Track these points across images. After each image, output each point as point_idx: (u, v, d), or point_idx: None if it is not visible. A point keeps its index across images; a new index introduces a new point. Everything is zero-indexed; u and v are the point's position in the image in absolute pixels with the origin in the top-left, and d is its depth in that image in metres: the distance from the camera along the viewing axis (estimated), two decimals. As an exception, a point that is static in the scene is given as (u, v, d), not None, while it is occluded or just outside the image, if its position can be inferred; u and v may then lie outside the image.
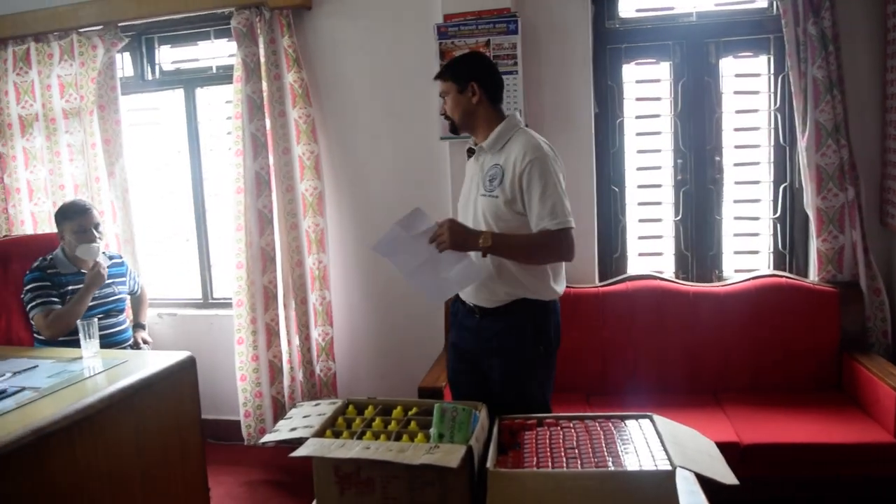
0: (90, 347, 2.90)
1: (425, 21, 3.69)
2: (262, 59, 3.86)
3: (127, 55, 4.41)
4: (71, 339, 3.18)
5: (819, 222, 3.44)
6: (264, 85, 3.87)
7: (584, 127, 3.69)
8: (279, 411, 3.95)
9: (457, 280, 2.43)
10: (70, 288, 3.34)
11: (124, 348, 3.45)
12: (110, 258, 3.59)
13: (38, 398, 2.42)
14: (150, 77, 4.45)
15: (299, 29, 3.92)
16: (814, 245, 3.51)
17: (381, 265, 3.90)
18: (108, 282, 3.47)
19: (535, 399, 2.58)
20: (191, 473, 2.90)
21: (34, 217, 4.37)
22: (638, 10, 3.77)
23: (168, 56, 4.45)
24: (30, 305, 3.28)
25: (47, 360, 2.90)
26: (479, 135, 2.58)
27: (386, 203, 3.89)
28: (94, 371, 2.72)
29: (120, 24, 4.10)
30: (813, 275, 3.56)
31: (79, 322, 2.94)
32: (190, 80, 4.36)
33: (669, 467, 1.62)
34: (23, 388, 2.52)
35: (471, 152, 2.65)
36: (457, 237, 2.36)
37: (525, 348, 2.56)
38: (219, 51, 4.30)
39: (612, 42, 3.75)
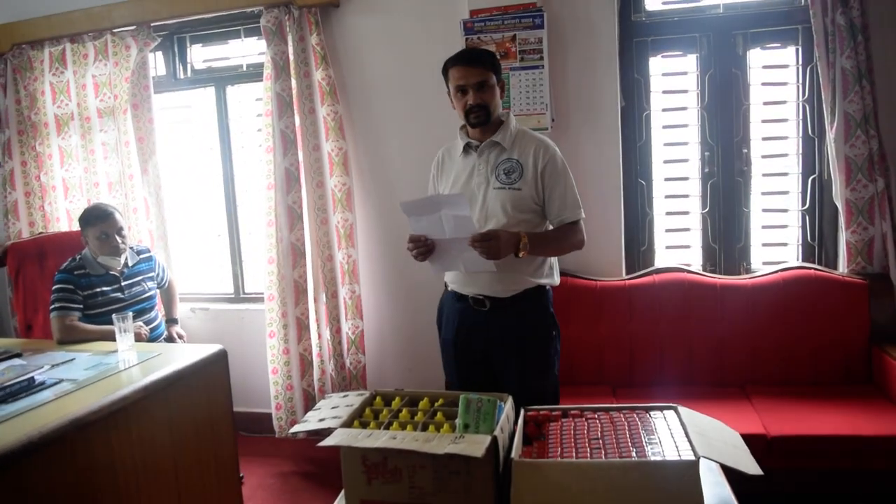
0: (125, 340, 2.96)
1: (451, 17, 3.71)
2: (291, 57, 3.91)
3: (159, 54, 4.49)
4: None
5: (848, 214, 3.40)
6: (293, 82, 3.92)
7: (611, 120, 3.69)
8: (310, 403, 4.01)
9: (468, 264, 2.49)
10: (98, 289, 3.37)
11: (159, 343, 3.51)
12: (138, 253, 3.61)
13: (76, 390, 2.49)
14: (181, 76, 4.52)
15: (327, 26, 3.97)
16: (843, 237, 3.47)
17: (409, 260, 3.94)
18: (137, 279, 3.53)
19: (554, 384, 2.68)
20: (223, 464, 2.96)
21: (69, 214, 4.47)
22: (664, 3, 3.75)
23: (199, 55, 4.52)
24: (52, 306, 3.29)
25: (84, 353, 2.98)
26: (485, 130, 2.63)
27: (413, 198, 3.92)
28: (129, 364, 2.79)
29: (152, 25, 4.18)
30: (842, 267, 3.53)
31: (114, 316, 2.99)
32: (221, 79, 4.43)
33: (693, 457, 1.63)
34: (60, 380, 2.59)
35: (468, 147, 2.67)
36: (505, 249, 2.40)
37: (545, 334, 2.64)
38: (249, 49, 4.36)
39: (638, 35, 3.74)
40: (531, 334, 2.62)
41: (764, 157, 3.73)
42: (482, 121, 2.57)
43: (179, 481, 2.67)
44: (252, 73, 4.30)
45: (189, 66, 4.53)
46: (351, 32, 3.98)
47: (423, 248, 2.50)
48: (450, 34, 3.67)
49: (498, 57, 2.74)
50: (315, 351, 4.06)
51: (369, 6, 3.93)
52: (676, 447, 1.71)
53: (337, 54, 4.00)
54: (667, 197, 3.85)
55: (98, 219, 3.39)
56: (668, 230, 3.88)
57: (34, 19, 4.33)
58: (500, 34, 3.59)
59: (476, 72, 2.54)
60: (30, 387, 2.49)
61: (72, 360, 2.88)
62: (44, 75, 4.38)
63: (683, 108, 3.77)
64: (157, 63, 4.50)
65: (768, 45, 3.68)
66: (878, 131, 3.32)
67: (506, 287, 2.58)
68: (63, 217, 4.48)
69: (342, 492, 1.77)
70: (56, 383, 2.56)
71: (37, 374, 2.58)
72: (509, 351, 2.61)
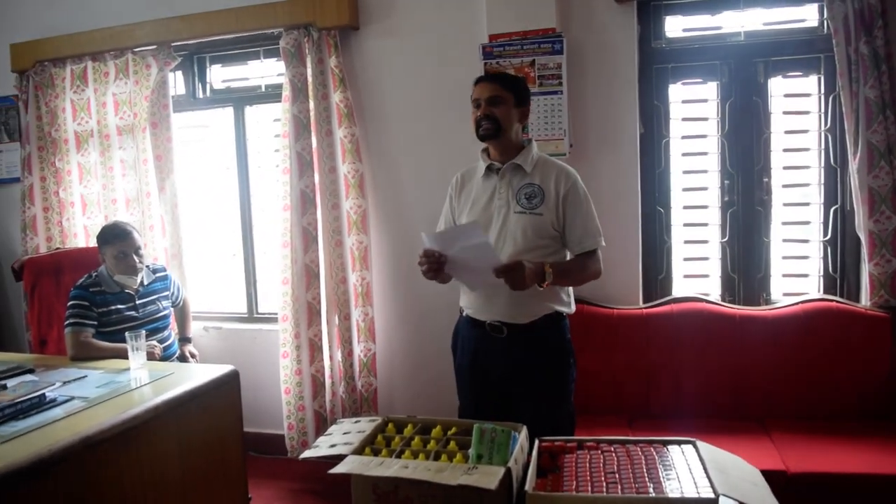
0: (138, 359, 2.95)
1: (470, 41, 3.71)
2: (310, 79, 3.92)
3: (179, 74, 4.53)
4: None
5: (871, 246, 3.35)
6: (311, 104, 3.93)
7: (630, 147, 3.67)
8: (321, 425, 3.98)
9: (489, 281, 2.44)
10: (112, 307, 3.37)
11: (171, 362, 3.50)
12: (154, 271, 3.62)
13: (87, 408, 2.48)
14: (200, 95, 4.55)
15: (346, 49, 3.98)
16: (866, 269, 3.41)
17: (423, 283, 3.92)
18: (152, 298, 3.53)
19: (570, 413, 2.63)
20: (232, 485, 2.94)
21: (87, 230, 4.49)
22: (685, 30, 3.73)
23: (218, 75, 4.56)
24: (66, 321, 3.29)
25: (96, 371, 2.96)
26: (504, 152, 2.64)
27: (428, 222, 3.89)
28: (140, 382, 2.78)
29: (173, 44, 4.22)
30: (865, 300, 3.47)
31: (127, 334, 2.98)
32: (239, 99, 4.46)
33: (712, 495, 1.59)
34: (72, 398, 2.58)
35: (489, 170, 2.67)
36: (530, 280, 2.37)
37: (563, 362, 2.61)
38: (268, 70, 4.38)
39: (658, 62, 3.72)
40: (548, 362, 2.59)
41: (785, 186, 3.68)
42: (490, 133, 2.58)
43: (188, 501, 2.65)
44: (270, 94, 4.32)
45: (208, 86, 4.56)
46: (370, 55, 3.99)
47: (435, 263, 2.42)
48: (469, 58, 3.68)
49: (523, 82, 2.74)
50: (327, 373, 4.04)
51: (389, 30, 3.94)
52: (695, 484, 1.67)
53: (355, 77, 4.01)
54: (685, 225, 3.80)
55: (116, 237, 3.40)
56: (686, 259, 3.82)
57: (58, 37, 4.40)
58: (518, 59, 3.59)
59: (490, 87, 2.60)
60: (41, 403, 2.48)
61: (84, 377, 2.87)
62: (65, 92, 4.42)
63: (703, 136, 3.73)
64: (176, 82, 4.53)
65: (790, 74, 3.64)
66: (903, 162, 3.28)
67: (524, 313, 2.55)
68: (80, 233, 4.50)
69: (352, 520, 1.75)
70: (67, 400, 2.55)
71: (48, 390, 2.57)
72: (526, 378, 2.58)
